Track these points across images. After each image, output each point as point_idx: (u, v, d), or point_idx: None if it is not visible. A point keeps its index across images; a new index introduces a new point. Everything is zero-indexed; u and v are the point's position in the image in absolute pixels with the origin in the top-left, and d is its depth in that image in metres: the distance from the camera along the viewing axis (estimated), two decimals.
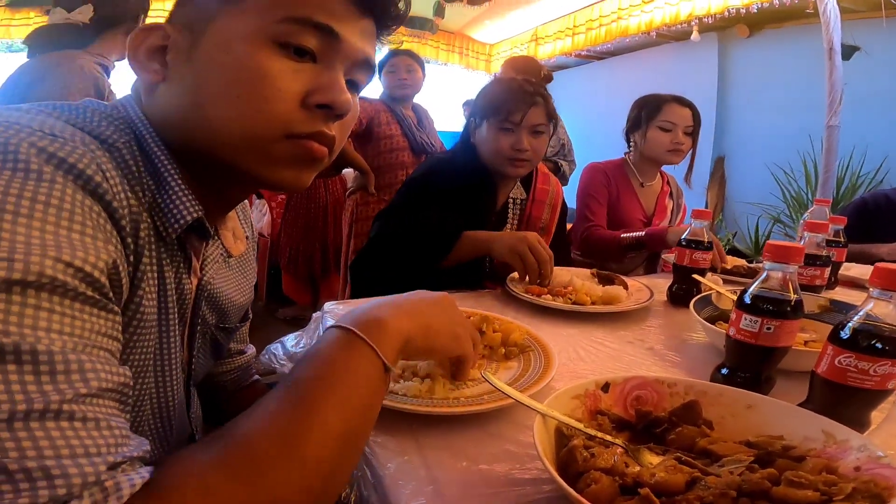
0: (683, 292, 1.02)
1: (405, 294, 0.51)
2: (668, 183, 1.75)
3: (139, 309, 0.39)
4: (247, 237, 0.60)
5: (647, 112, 1.60)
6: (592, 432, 0.48)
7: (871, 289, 0.49)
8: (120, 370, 0.32)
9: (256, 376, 0.79)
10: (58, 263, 0.29)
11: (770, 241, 0.59)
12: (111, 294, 0.33)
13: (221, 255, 0.54)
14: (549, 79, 2.52)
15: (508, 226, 1.29)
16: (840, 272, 1.31)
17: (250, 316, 0.73)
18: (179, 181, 0.42)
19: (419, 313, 0.49)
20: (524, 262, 1.03)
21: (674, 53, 4.95)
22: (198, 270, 0.50)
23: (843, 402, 0.52)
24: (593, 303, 0.99)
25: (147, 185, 0.41)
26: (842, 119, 2.83)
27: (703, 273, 1.00)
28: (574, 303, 0.98)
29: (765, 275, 0.59)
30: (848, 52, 2.87)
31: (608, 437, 0.48)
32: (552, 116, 1.20)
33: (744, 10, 3.29)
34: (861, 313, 0.49)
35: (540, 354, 0.72)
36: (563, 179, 2.62)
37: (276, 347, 0.87)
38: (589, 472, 0.42)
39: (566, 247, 1.54)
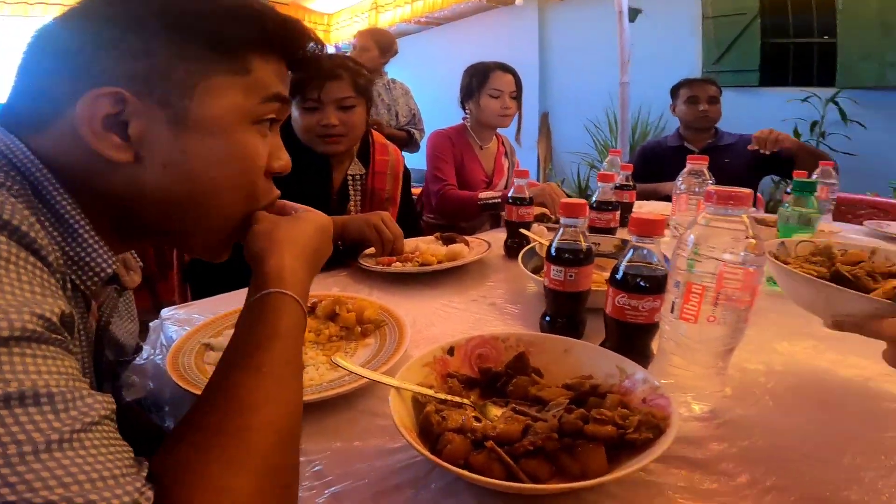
0: (516, 245, 1.15)
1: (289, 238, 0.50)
2: (502, 143, 1.91)
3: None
4: (140, 266, 0.55)
5: (476, 80, 1.72)
6: (443, 396, 0.53)
7: (631, 236, 0.60)
8: (107, 398, 0.33)
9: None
10: (32, 316, 0.30)
11: (563, 200, 0.70)
12: (68, 340, 0.34)
13: (115, 289, 0.50)
14: (394, 52, 2.55)
15: (351, 203, 1.30)
16: (634, 210, 1.60)
17: (142, 345, 0.67)
18: (91, 232, 0.40)
19: (305, 247, 0.50)
20: (380, 234, 1.07)
21: (502, 18, 5.28)
22: (96, 311, 0.47)
23: (626, 337, 0.62)
24: (439, 262, 1.07)
25: (53, 236, 0.38)
26: (632, 76, 3.34)
27: (528, 226, 1.14)
28: (422, 264, 1.05)
29: (562, 230, 0.70)
30: (633, 14, 3.32)
31: (457, 399, 0.53)
32: (362, 89, 1.19)
33: None
34: (627, 256, 0.61)
35: (394, 327, 0.77)
36: (416, 147, 2.69)
37: None
38: (444, 433, 0.47)
39: (414, 214, 1.61)
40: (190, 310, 0.90)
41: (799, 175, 1.45)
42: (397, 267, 1.05)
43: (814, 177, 1.51)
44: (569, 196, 1.35)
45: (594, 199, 1.22)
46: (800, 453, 0.50)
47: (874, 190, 2.99)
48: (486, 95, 1.70)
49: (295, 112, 1.17)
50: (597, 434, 0.45)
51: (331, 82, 1.14)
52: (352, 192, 1.30)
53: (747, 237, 0.48)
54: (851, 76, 3.54)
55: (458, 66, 1.83)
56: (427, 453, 0.43)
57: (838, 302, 0.55)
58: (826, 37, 3.72)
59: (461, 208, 1.65)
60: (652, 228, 0.58)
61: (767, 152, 1.80)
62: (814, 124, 3.61)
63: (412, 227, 1.38)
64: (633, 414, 0.47)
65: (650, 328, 0.60)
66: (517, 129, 1.88)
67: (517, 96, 1.74)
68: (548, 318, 0.76)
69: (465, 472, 0.42)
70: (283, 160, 0.49)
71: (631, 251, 0.59)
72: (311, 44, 0.49)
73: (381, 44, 2.54)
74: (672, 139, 2.25)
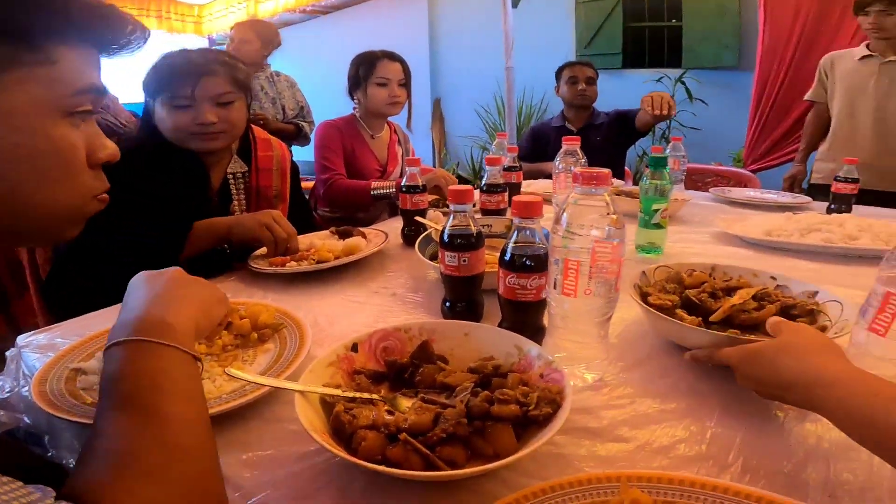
0: (413, 233, 1.16)
1: (141, 287, 0.50)
2: (395, 132, 1.90)
3: None
4: None
5: (363, 70, 1.70)
6: (351, 394, 0.52)
7: (514, 218, 0.64)
8: None
9: None
10: None
11: (450, 188, 0.72)
12: None
13: None
14: (277, 44, 2.47)
15: (235, 203, 1.23)
16: (522, 190, 1.68)
17: None
18: None
19: (183, 297, 0.50)
20: (273, 233, 1.02)
21: (391, 5, 5.24)
22: None
23: (520, 315, 0.66)
24: (337, 258, 1.05)
25: None
26: (516, 60, 3.49)
27: (423, 213, 1.16)
28: (318, 262, 1.02)
29: (452, 216, 0.73)
30: (515, 0, 3.47)
31: (366, 395, 0.53)
32: (240, 84, 1.13)
33: None
34: (513, 238, 0.64)
35: (294, 330, 0.74)
36: (306, 140, 2.61)
37: None
38: (356, 431, 0.47)
39: (307, 209, 1.55)
40: (51, 333, 0.80)
41: (656, 150, 1.64)
42: (292, 266, 1.01)
43: (666, 151, 1.72)
44: (461, 179, 1.40)
45: (483, 182, 1.27)
46: (681, 413, 0.56)
47: (718, 160, 3.47)
48: (374, 84, 1.69)
49: (161, 110, 1.07)
50: (502, 414, 0.47)
51: (206, 78, 1.05)
52: (234, 192, 1.22)
53: (609, 213, 0.54)
54: (694, 57, 4.03)
55: (348, 56, 1.80)
56: (343, 453, 0.43)
57: (687, 336, 0.64)
58: (674, 20, 4.18)
59: (353, 198, 1.63)
60: (532, 210, 0.62)
61: (658, 112, 1.98)
62: None
63: (305, 223, 1.33)
64: (533, 391, 0.50)
65: (539, 305, 0.64)
66: (408, 116, 1.88)
67: (406, 84, 1.75)
68: (448, 304, 0.79)
69: (384, 468, 0.42)
70: (109, 148, 0.48)
71: (516, 232, 0.63)
72: (131, 29, 0.47)
73: (263, 35, 2.44)
74: (556, 120, 2.45)
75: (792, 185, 2.26)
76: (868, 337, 0.48)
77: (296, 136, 2.57)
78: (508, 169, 1.53)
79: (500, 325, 0.68)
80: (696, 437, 0.52)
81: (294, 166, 1.37)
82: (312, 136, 2.46)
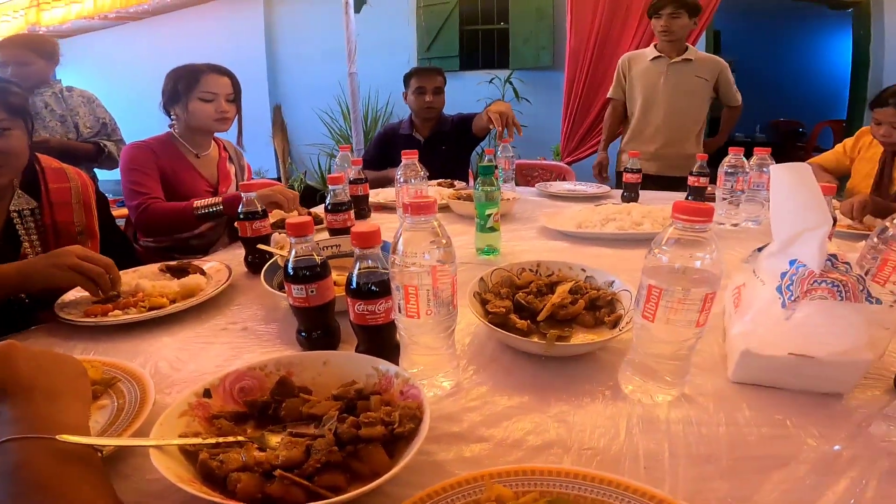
0: (258, 261, 1.11)
1: None
2: (224, 148, 1.76)
3: None
4: None
5: (183, 85, 1.53)
6: (213, 440, 0.51)
7: (355, 249, 0.65)
8: None
9: None
10: None
11: (288, 221, 0.71)
12: None
13: None
14: (58, 58, 2.16)
15: (26, 245, 1.04)
16: (371, 201, 1.70)
17: None
18: None
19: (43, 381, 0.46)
20: (86, 275, 0.89)
21: (220, 11, 4.88)
22: None
23: (374, 338, 0.68)
24: (173, 301, 0.96)
25: None
26: (360, 65, 3.48)
27: (266, 240, 1.11)
28: (151, 308, 0.92)
29: (294, 249, 0.72)
30: (358, 4, 3.44)
31: (230, 438, 0.51)
32: (16, 109, 0.97)
33: None
34: (356, 267, 0.65)
35: (130, 382, 0.67)
36: (113, 162, 2.27)
37: None
38: (228, 475, 0.46)
39: (125, 241, 1.37)
40: None
41: (489, 153, 1.80)
42: (118, 316, 0.89)
43: (498, 151, 1.88)
44: (309, 189, 1.35)
45: (327, 202, 1.27)
46: (526, 407, 0.63)
47: (542, 154, 3.90)
48: (197, 99, 1.54)
49: None
50: (371, 436, 0.50)
51: None
52: (23, 232, 1.04)
53: (438, 239, 0.58)
54: (519, 59, 4.45)
55: (173, 64, 1.60)
56: (221, 498, 0.42)
57: (517, 344, 0.73)
58: (502, 23, 4.55)
59: (174, 222, 1.45)
60: (370, 240, 0.64)
61: (500, 129, 1.93)
62: None
63: (126, 257, 1.18)
64: (395, 409, 0.53)
65: (391, 326, 0.67)
66: (238, 132, 1.76)
67: (235, 100, 1.62)
68: (303, 334, 0.78)
69: None
70: None
71: (358, 262, 0.65)
72: None
73: (44, 51, 2.11)
74: (404, 127, 2.45)
75: (600, 171, 2.60)
76: (643, 322, 0.60)
77: (96, 157, 2.24)
78: (354, 182, 1.54)
79: (357, 350, 0.70)
80: (541, 428, 0.59)
81: (101, 196, 1.20)
82: None
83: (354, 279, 0.65)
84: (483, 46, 4.72)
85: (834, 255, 0.65)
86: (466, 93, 4.44)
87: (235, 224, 1.12)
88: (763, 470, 0.52)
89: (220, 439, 0.51)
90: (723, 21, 5.95)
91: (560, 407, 0.63)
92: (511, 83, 4.34)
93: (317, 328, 0.77)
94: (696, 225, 0.54)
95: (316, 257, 0.73)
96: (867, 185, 1.70)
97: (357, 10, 3.40)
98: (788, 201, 0.69)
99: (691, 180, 1.62)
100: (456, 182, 2.05)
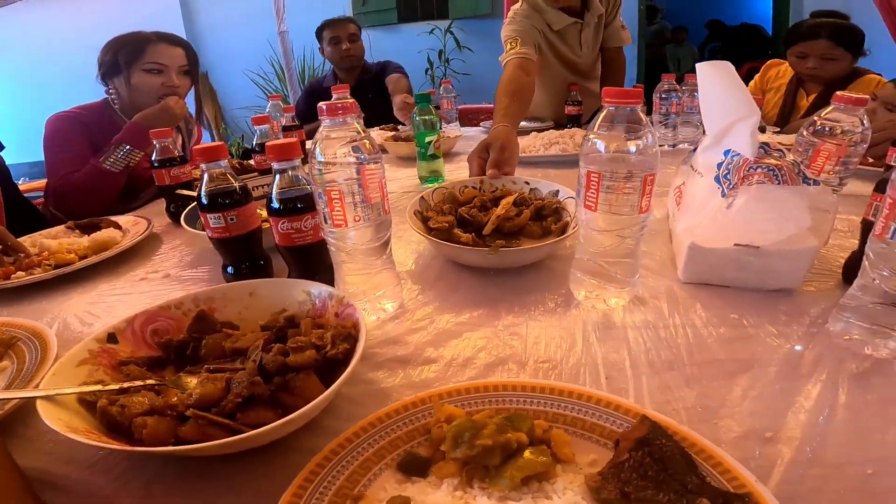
0: (179, 209, 1.01)
1: None
2: None
3: None
4: None
5: (125, 56, 1.34)
6: (116, 386, 0.45)
7: (272, 163, 0.60)
8: None
9: None
10: None
11: (195, 148, 0.64)
12: None
13: None
14: None
15: None
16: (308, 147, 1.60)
17: None
18: None
19: None
20: None
21: None
22: None
23: (304, 260, 0.63)
24: (84, 257, 0.86)
25: None
26: (290, 24, 3.26)
27: (189, 186, 1.02)
28: (58, 266, 0.83)
29: (205, 176, 0.65)
30: None
31: (137, 383, 0.46)
32: None
33: None
34: (275, 183, 0.60)
35: (32, 341, 0.60)
36: None
37: None
38: (132, 420, 0.41)
39: (31, 211, 1.23)
40: None
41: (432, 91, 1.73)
42: (20, 278, 0.80)
43: (440, 91, 1.82)
44: (247, 151, 1.23)
45: (254, 143, 1.18)
46: (475, 323, 0.60)
47: (488, 100, 3.83)
48: (141, 71, 1.34)
49: None
50: (300, 363, 0.44)
51: None
52: None
53: (360, 139, 0.53)
54: (458, 8, 4.31)
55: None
56: (122, 446, 0.37)
57: (464, 255, 0.69)
58: None
59: (94, 187, 1.24)
60: (288, 151, 0.58)
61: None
62: (440, 53, 4.32)
63: (29, 222, 1.05)
64: (327, 331, 0.48)
65: (321, 245, 0.62)
66: (196, 109, 1.59)
67: (189, 72, 1.43)
68: (230, 270, 0.72)
69: (172, 448, 0.37)
70: None
71: (277, 177, 0.59)
72: None
73: None
74: (328, 80, 2.33)
75: None
76: (586, 214, 0.57)
77: None
78: (287, 129, 1.44)
79: (289, 276, 0.65)
80: (493, 343, 0.56)
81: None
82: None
83: (274, 197, 0.59)
84: None
85: (766, 144, 0.65)
86: (406, 44, 4.28)
87: (153, 172, 1.01)
88: (728, 375, 0.49)
89: (127, 384, 0.45)
90: None
91: (511, 319, 0.60)
92: (452, 33, 4.22)
93: (243, 261, 0.71)
94: (627, 107, 0.51)
95: (233, 181, 0.66)
96: (774, 115, 1.75)
97: None
98: (717, 95, 0.68)
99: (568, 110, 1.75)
100: (400, 127, 1.97)
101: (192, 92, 1.48)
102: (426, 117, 1.06)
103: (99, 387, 0.44)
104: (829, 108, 0.77)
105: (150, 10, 4.47)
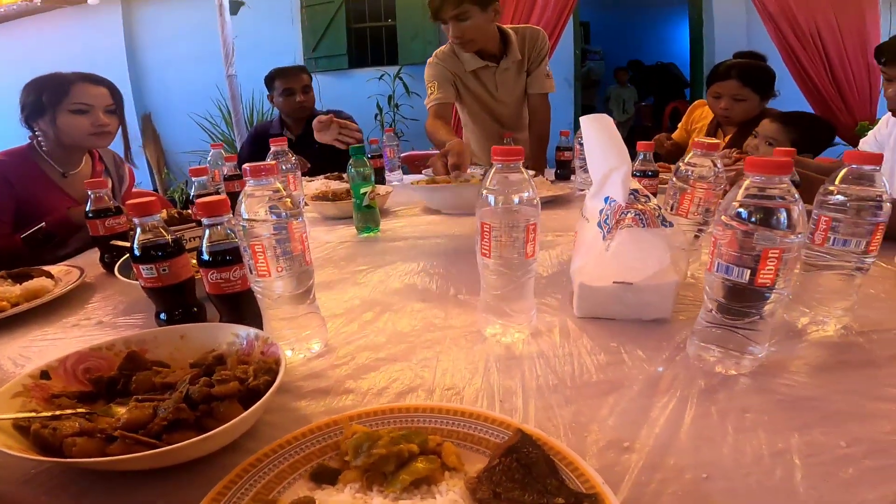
0: (114, 259, 1.03)
1: None
2: (100, 159, 1.59)
3: None
4: None
5: (48, 96, 1.35)
6: (47, 414, 0.48)
7: (203, 219, 0.66)
8: None
9: None
10: None
11: (129, 203, 0.68)
12: None
13: None
14: None
15: None
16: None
17: None
18: None
19: None
20: None
21: (73, 20, 4.50)
22: None
23: (234, 307, 0.69)
24: (17, 304, 0.87)
25: None
26: (239, 67, 3.32)
27: (123, 237, 1.04)
28: None
29: (139, 230, 0.69)
30: (235, 7, 3.27)
31: (68, 411, 0.49)
32: None
33: None
34: (205, 237, 0.66)
35: None
36: None
37: None
38: (63, 440, 0.45)
39: None
40: None
41: (373, 142, 1.82)
42: None
43: (383, 141, 1.92)
44: (188, 194, 1.26)
45: (192, 194, 1.21)
46: (391, 358, 0.66)
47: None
48: (67, 112, 1.36)
49: None
50: (223, 392, 0.49)
51: None
52: None
53: (282, 198, 0.60)
54: (407, 54, 4.51)
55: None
56: (52, 459, 0.42)
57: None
58: (390, 20, 4.58)
59: (8, 256, 1.27)
60: (217, 209, 0.65)
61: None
62: (389, 98, 4.49)
63: None
64: (251, 366, 0.54)
65: (249, 293, 0.67)
66: (125, 148, 1.60)
67: (115, 110, 1.45)
68: (163, 317, 0.75)
69: (100, 459, 0.42)
70: None
71: (207, 231, 0.65)
72: None
73: None
74: (275, 127, 2.35)
75: None
76: (482, 260, 0.66)
77: None
78: (229, 178, 1.49)
79: (221, 321, 0.69)
80: (407, 374, 0.63)
81: None
82: None
83: (205, 249, 0.65)
84: (372, 43, 4.75)
85: (636, 190, 0.77)
86: (357, 90, 4.42)
87: (87, 223, 1.03)
88: (600, 394, 0.57)
89: (59, 412, 0.49)
90: (590, 13, 6.50)
91: (425, 354, 0.67)
92: (401, 78, 4.41)
93: (175, 308, 0.75)
94: (511, 164, 0.62)
95: (166, 234, 0.71)
96: None
97: (233, 12, 3.25)
98: (598, 147, 0.80)
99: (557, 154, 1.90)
100: (345, 174, 2.04)
101: (120, 132, 1.51)
102: (361, 169, 1.15)
103: (33, 414, 0.48)
104: (690, 154, 0.86)
105: (93, 47, 4.43)
